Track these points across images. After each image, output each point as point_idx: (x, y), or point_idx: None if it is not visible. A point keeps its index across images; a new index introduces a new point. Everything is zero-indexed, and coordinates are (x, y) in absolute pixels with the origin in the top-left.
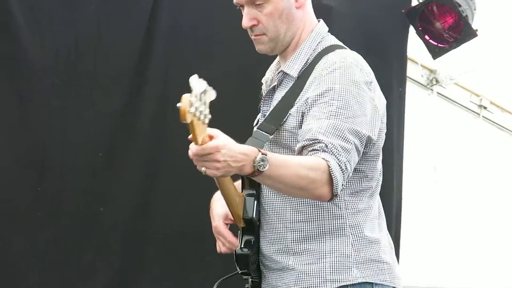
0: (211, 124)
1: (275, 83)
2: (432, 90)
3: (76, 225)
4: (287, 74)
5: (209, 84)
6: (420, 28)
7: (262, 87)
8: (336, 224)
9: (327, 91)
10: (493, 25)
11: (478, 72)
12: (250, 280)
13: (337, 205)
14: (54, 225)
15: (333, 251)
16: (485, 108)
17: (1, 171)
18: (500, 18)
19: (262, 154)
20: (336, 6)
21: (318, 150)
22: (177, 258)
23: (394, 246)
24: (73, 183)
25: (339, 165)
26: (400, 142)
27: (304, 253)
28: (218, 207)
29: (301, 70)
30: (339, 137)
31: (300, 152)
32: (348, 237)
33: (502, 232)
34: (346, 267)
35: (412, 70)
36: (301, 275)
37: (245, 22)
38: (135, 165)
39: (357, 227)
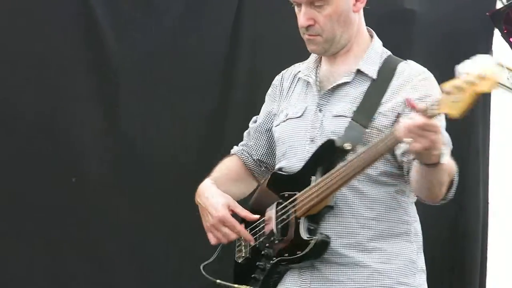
0: None
1: (347, 80)
2: None
3: (174, 230)
4: (364, 73)
5: None
6: (505, 31)
7: (281, 82)
8: (404, 229)
9: (425, 97)
10: None
11: None
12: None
13: (405, 210)
14: (157, 227)
15: (403, 254)
16: None
17: (92, 178)
18: None
19: (445, 148)
20: (418, 10)
21: None
22: None
23: (482, 253)
24: (163, 187)
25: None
26: (486, 148)
27: (375, 251)
28: (217, 196)
29: (377, 72)
30: (445, 144)
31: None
32: (412, 243)
33: None
34: (412, 272)
35: None
36: (375, 273)
37: (302, 22)
38: None
39: (418, 235)
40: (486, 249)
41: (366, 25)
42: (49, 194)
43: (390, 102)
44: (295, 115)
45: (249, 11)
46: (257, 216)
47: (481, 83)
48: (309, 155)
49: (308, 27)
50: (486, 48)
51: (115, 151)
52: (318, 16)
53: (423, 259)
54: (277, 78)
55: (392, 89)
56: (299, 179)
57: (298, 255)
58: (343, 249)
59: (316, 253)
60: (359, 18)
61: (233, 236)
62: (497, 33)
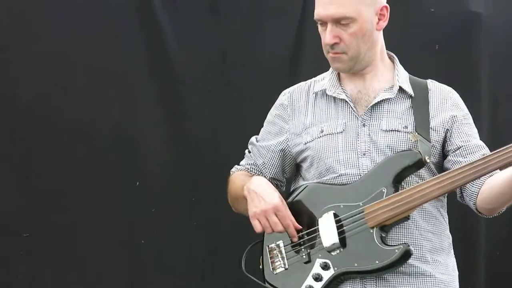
0: None
1: (389, 96)
2: None
3: (234, 231)
4: (404, 91)
5: None
6: None
7: (290, 101)
8: (448, 243)
9: (467, 114)
10: None
11: None
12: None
13: (447, 225)
14: (208, 234)
15: (454, 268)
16: None
17: (156, 182)
18: None
19: None
20: (484, 12)
21: None
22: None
23: None
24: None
25: None
26: None
27: (435, 263)
28: (272, 189)
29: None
30: None
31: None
32: (453, 256)
33: None
34: (456, 285)
35: None
36: (440, 283)
37: (328, 40)
38: None
39: (452, 248)
40: None
41: (430, 29)
42: (115, 196)
43: (437, 118)
44: (335, 131)
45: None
46: (299, 226)
47: None
48: (365, 168)
49: (333, 45)
50: None
51: (179, 155)
52: (343, 34)
53: None
54: (284, 98)
55: (434, 106)
56: (361, 191)
57: (379, 264)
58: (411, 259)
59: (400, 262)
60: (381, 38)
61: (279, 227)
62: None
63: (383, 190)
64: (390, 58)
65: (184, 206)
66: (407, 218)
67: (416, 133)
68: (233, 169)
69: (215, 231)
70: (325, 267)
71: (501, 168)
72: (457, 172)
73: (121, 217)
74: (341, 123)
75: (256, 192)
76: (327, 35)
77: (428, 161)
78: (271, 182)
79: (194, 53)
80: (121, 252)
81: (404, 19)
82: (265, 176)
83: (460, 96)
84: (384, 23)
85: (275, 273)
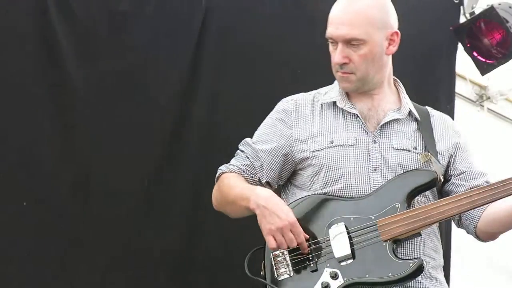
0: None
1: (399, 117)
2: (482, 106)
3: (124, 252)
4: (413, 114)
5: (257, 103)
6: (468, 45)
7: (295, 108)
8: (441, 261)
9: (466, 142)
10: None
11: None
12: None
13: (440, 244)
14: (102, 249)
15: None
16: None
17: (47, 198)
18: None
19: None
20: None
21: None
22: (226, 282)
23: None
24: (119, 208)
25: None
26: None
27: (434, 280)
28: (285, 205)
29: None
30: None
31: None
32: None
33: None
34: None
35: (461, 87)
36: None
37: (338, 59)
38: (182, 191)
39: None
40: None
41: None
42: None
43: (441, 143)
44: (346, 143)
45: (213, 30)
46: (307, 236)
47: None
48: (375, 183)
49: (342, 65)
50: (449, 62)
51: (72, 170)
52: (353, 55)
53: None
54: (288, 104)
55: (437, 131)
56: (373, 205)
57: (391, 277)
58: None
59: (414, 275)
60: (390, 62)
61: (295, 243)
62: (460, 47)
63: (397, 206)
64: (395, 83)
65: (76, 221)
66: (419, 234)
67: (429, 153)
68: (222, 168)
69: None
70: (334, 276)
71: None
72: (476, 193)
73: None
74: (352, 136)
75: (267, 208)
76: (337, 55)
77: (442, 180)
78: (261, 185)
79: (90, 67)
80: None
81: (302, 34)
82: (259, 179)
83: None
84: (394, 48)
85: (279, 279)
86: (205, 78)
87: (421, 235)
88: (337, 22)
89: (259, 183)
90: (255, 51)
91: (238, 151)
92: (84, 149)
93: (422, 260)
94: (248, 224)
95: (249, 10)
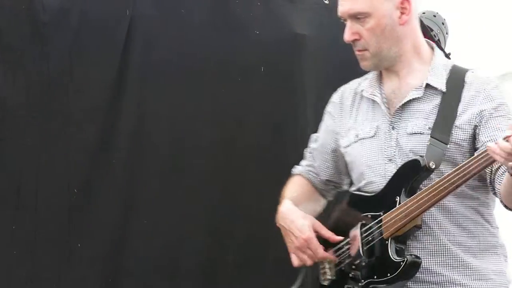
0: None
1: (417, 96)
2: None
3: (53, 262)
4: (434, 87)
5: (184, 116)
6: None
7: (341, 99)
8: (492, 242)
9: (500, 105)
10: (465, 48)
11: None
12: None
13: (490, 222)
14: (30, 264)
15: (495, 269)
16: None
17: None
18: (472, 42)
19: None
20: (309, 35)
21: None
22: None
23: None
24: (48, 220)
25: None
26: None
27: (469, 268)
28: (301, 218)
29: (445, 84)
30: None
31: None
32: (500, 256)
33: None
34: (505, 285)
35: None
36: None
37: (347, 36)
38: (111, 200)
39: (503, 246)
40: None
41: (255, 52)
42: None
43: (465, 115)
44: (367, 135)
45: (138, 39)
46: (341, 238)
47: None
48: (390, 174)
49: (354, 42)
50: None
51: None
52: (362, 30)
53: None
54: (336, 95)
55: (465, 101)
56: (383, 200)
57: (389, 277)
58: (438, 267)
59: (407, 274)
60: (413, 31)
61: (315, 258)
62: None
63: (396, 199)
64: (431, 50)
65: (4, 235)
66: (419, 227)
67: (429, 137)
68: (294, 169)
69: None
70: (355, 279)
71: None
72: (447, 179)
73: None
74: (374, 126)
75: (285, 226)
76: (346, 32)
77: (432, 167)
78: (326, 183)
79: (18, 79)
80: None
81: (230, 41)
82: (321, 179)
83: (286, 119)
84: (407, 17)
85: (324, 284)
86: (131, 87)
87: (420, 227)
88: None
89: (324, 182)
90: (182, 59)
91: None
92: (14, 161)
93: (416, 257)
94: (178, 230)
95: (176, 18)
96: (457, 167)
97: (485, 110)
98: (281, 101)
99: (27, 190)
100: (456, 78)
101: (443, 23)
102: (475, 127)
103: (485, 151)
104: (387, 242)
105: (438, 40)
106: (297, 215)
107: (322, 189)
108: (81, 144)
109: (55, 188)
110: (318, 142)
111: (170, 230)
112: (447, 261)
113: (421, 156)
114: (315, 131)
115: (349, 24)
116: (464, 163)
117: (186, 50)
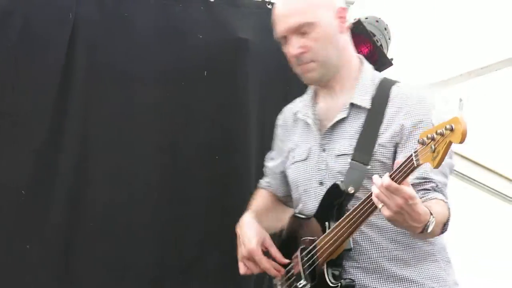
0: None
1: (343, 116)
2: None
3: (1, 263)
4: (358, 106)
5: (129, 119)
6: None
7: (284, 121)
8: (428, 250)
9: (419, 123)
10: (407, 54)
11: None
12: None
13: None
14: None
15: (434, 277)
16: None
17: None
18: (414, 47)
19: (433, 217)
20: (251, 39)
21: (429, 190)
22: None
23: None
24: None
25: (447, 203)
26: None
27: (406, 281)
28: (254, 230)
29: (370, 101)
30: (442, 174)
31: None
32: (439, 262)
33: None
34: None
35: None
36: None
37: (293, 50)
38: (58, 201)
39: (444, 250)
40: None
41: (198, 56)
42: None
43: (387, 132)
44: (300, 158)
45: (82, 42)
46: (286, 261)
47: (452, 135)
48: (321, 197)
49: (300, 56)
50: None
51: None
52: (307, 42)
53: (454, 271)
54: (280, 117)
55: (387, 117)
56: (316, 224)
57: None
58: (376, 284)
59: None
60: (348, 41)
61: (258, 270)
62: None
63: (325, 225)
64: (360, 65)
65: None
66: (349, 249)
67: (349, 160)
68: (258, 183)
69: None
70: None
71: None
72: (358, 209)
73: None
74: (306, 149)
75: (239, 236)
76: (291, 47)
77: (351, 192)
78: (286, 199)
79: None
80: None
81: (173, 45)
82: (280, 195)
83: (230, 122)
84: (344, 24)
85: None
86: (76, 89)
87: (351, 250)
88: (283, 16)
89: (284, 197)
90: (125, 63)
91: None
92: None
93: (349, 280)
94: (125, 232)
95: (119, 22)
96: (364, 199)
97: (405, 127)
98: (225, 105)
99: None
100: (382, 94)
101: (385, 29)
102: (396, 144)
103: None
104: (323, 266)
105: (381, 45)
106: (251, 227)
107: (285, 201)
108: (27, 146)
109: (3, 190)
110: (272, 162)
111: (117, 232)
112: (382, 277)
113: (341, 180)
114: (259, 132)
115: (293, 40)
116: (359, 203)
117: (129, 53)
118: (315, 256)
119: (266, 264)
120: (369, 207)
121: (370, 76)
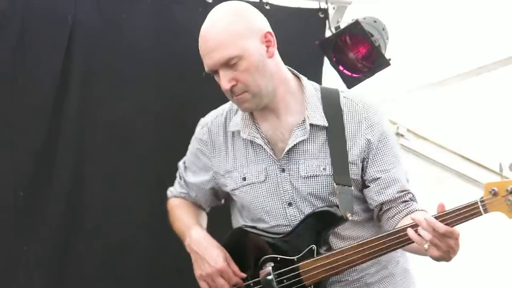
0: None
1: (305, 137)
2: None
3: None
4: (317, 125)
5: (126, 119)
6: (334, 59)
7: (209, 137)
8: (400, 267)
9: (382, 135)
10: (405, 54)
11: (393, 101)
12: None
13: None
14: None
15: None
16: (402, 135)
17: None
18: (412, 47)
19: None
20: None
21: (409, 200)
22: None
23: None
24: None
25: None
26: None
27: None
28: (215, 247)
29: (325, 117)
30: (409, 182)
31: (392, 203)
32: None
33: None
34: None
35: None
36: None
37: (225, 84)
38: (56, 203)
39: (392, 261)
40: None
41: (196, 57)
42: None
43: (354, 149)
44: (257, 180)
45: (80, 44)
46: (244, 275)
47: None
48: (293, 218)
49: (232, 88)
50: (316, 77)
51: None
52: (237, 75)
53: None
54: (203, 131)
55: (349, 134)
56: (294, 245)
57: None
58: None
59: None
60: (277, 63)
61: (227, 287)
62: (326, 61)
63: (313, 248)
64: (299, 82)
65: None
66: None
67: (335, 184)
68: (168, 193)
69: None
70: None
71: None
72: (382, 241)
73: None
74: (262, 169)
75: (198, 253)
76: (222, 82)
77: (349, 218)
78: (206, 207)
79: None
80: None
81: (171, 47)
82: (200, 205)
83: None
84: (273, 49)
85: None
86: (74, 91)
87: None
88: (207, 52)
89: (202, 207)
90: (124, 64)
91: (177, 174)
92: None
93: None
94: (122, 232)
95: (117, 23)
96: (388, 233)
97: (370, 141)
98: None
99: None
100: (332, 107)
101: (383, 29)
102: (363, 159)
103: (405, 232)
104: None
105: (379, 45)
106: (211, 244)
107: (204, 208)
108: (25, 147)
109: (1, 191)
110: (193, 176)
111: (114, 233)
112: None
113: (336, 206)
114: None
115: (222, 73)
116: (398, 228)
117: (127, 55)
118: (297, 278)
119: (235, 280)
120: (401, 242)
121: (312, 90)
